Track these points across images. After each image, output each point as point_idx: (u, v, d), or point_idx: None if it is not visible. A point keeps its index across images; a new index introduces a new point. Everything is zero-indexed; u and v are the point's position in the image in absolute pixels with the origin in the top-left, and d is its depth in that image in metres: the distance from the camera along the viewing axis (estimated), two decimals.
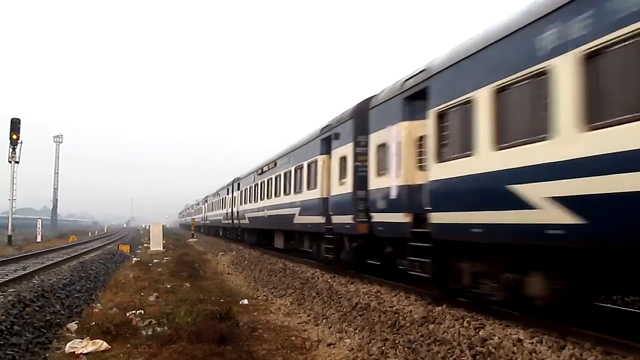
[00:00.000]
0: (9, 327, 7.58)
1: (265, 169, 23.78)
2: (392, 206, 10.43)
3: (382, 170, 11.07)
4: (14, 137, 32.69)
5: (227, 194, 36.44)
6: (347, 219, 12.74)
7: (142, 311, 9.97)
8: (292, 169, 18.46)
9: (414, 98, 9.80)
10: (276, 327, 9.16)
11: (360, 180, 12.20)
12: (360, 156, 12.30)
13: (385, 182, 10.75)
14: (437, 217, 8.63)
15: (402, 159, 10.03)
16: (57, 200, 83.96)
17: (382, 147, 11.02)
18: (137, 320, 9.07)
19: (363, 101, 12.73)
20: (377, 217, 11.35)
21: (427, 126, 9.01)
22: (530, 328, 6.72)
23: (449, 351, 6.41)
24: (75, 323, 9.06)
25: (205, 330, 7.50)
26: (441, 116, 8.64)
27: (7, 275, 13.43)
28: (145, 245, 33.63)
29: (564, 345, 6.01)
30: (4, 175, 37.78)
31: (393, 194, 10.34)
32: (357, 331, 8.12)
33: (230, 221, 34.25)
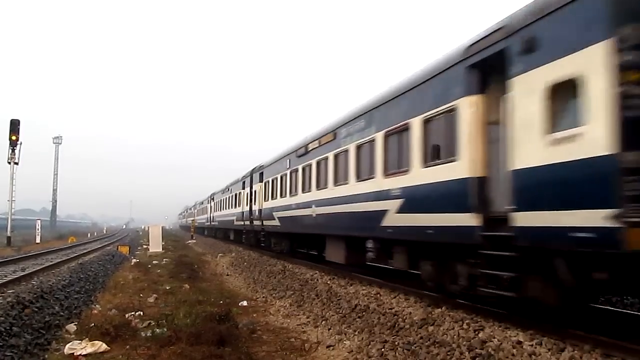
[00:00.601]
0: (7, 328, 7.59)
1: (312, 146, 16.13)
2: None
3: None
4: (13, 138, 32.76)
5: (243, 188, 28.72)
6: (583, 218, 5.72)
7: (141, 312, 9.97)
8: (378, 136, 11.22)
9: None
10: (275, 329, 9.17)
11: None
12: (636, 72, 5.51)
13: None
14: None
15: None
16: (56, 201, 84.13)
17: None
18: (136, 322, 9.07)
19: None
20: None
21: None
22: (530, 330, 6.71)
23: (449, 353, 6.42)
24: (74, 324, 9.06)
25: (204, 332, 7.50)
26: None
27: (6, 277, 13.42)
28: (145, 246, 33.60)
29: (564, 347, 6.01)
30: (4, 176, 37.82)
31: None
32: (356, 333, 8.13)
33: (248, 222, 26.96)
